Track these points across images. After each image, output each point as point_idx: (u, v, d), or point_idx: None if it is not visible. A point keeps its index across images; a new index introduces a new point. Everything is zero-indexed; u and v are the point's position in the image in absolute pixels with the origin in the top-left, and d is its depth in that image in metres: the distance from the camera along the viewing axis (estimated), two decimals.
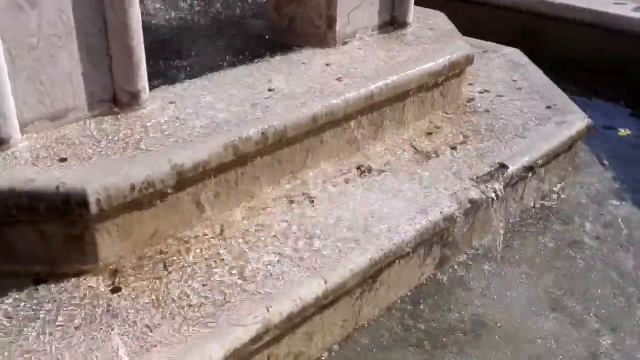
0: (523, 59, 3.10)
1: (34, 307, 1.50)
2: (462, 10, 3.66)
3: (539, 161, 2.31)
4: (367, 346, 1.79)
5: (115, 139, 1.72)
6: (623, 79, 3.47)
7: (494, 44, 3.22)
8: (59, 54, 1.68)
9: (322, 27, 2.42)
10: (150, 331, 1.45)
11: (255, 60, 2.28)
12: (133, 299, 1.54)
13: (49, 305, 1.51)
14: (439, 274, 2.04)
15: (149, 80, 1.88)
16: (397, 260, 1.85)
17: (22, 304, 1.51)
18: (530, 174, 2.31)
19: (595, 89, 3.48)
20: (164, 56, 2.35)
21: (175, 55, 2.38)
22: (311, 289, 1.61)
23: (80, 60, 1.72)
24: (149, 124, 1.81)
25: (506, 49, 3.18)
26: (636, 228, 2.34)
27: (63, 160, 1.61)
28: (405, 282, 1.95)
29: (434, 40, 2.55)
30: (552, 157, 2.40)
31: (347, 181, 2.06)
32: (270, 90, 2.06)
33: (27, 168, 1.57)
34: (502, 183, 2.12)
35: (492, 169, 2.16)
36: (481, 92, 2.71)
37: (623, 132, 3.06)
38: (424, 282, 2.01)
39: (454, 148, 2.29)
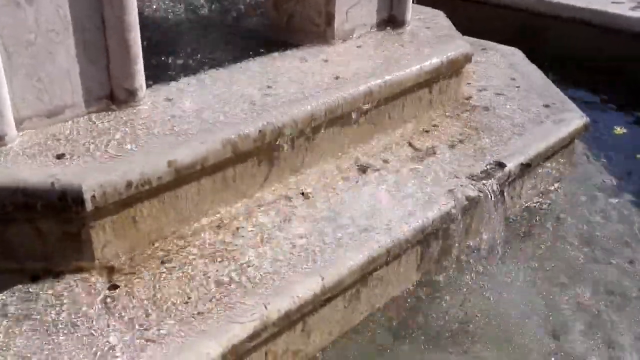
0: (521, 57, 3.10)
1: (30, 304, 1.50)
2: (461, 9, 3.66)
3: (537, 159, 2.32)
4: (365, 344, 1.79)
5: (112, 135, 1.72)
6: (622, 78, 3.48)
7: (492, 42, 3.23)
8: (57, 50, 1.67)
9: (321, 25, 2.42)
10: (147, 329, 1.45)
11: (254, 58, 2.27)
12: (130, 296, 1.54)
13: (46, 302, 1.50)
14: (436, 271, 2.04)
15: (147, 77, 1.87)
16: (394, 258, 1.85)
17: (19, 301, 1.50)
18: (527, 172, 2.31)
19: (594, 88, 3.49)
20: (162, 53, 2.34)
21: (173, 52, 2.37)
22: (309, 287, 1.61)
23: (78, 56, 1.71)
24: (146, 121, 1.80)
25: (505, 47, 3.19)
26: (634, 225, 2.34)
27: (59, 157, 1.61)
28: (402, 279, 1.95)
29: (432, 39, 2.55)
30: (549, 155, 2.40)
31: (345, 179, 2.06)
32: (268, 87, 2.06)
33: (23, 165, 1.57)
34: (500, 181, 2.12)
35: (489, 167, 2.17)
36: (479, 91, 2.72)
37: (619, 130, 3.07)
38: (422, 280, 2.01)
39: (451, 146, 2.29)
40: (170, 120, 1.82)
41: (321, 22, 2.41)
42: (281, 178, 2.01)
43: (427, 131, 2.39)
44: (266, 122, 1.87)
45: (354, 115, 2.17)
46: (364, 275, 1.77)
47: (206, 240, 1.74)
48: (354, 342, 1.80)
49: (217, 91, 2.01)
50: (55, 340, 1.40)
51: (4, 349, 1.38)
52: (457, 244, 2.09)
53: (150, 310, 1.49)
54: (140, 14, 1.79)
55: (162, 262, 1.65)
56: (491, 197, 2.08)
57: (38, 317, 1.46)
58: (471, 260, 2.09)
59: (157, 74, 2.07)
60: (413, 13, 2.66)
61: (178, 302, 1.53)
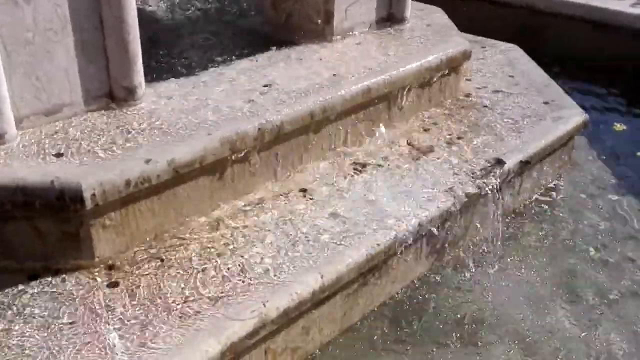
0: (521, 54, 3.10)
1: (29, 302, 1.50)
2: (462, 8, 3.65)
3: (536, 156, 2.31)
4: (364, 341, 1.79)
5: (111, 134, 1.72)
6: (622, 75, 3.47)
7: (491, 40, 3.22)
8: (55, 49, 1.68)
9: (320, 23, 2.42)
10: (147, 326, 1.45)
11: (253, 56, 2.27)
12: (130, 294, 1.54)
13: (45, 300, 1.51)
14: (436, 269, 2.04)
15: (145, 75, 1.88)
16: (393, 255, 1.86)
17: (17, 299, 1.51)
18: (527, 169, 2.31)
19: (594, 85, 3.48)
20: (161, 51, 2.35)
21: (172, 50, 2.38)
22: (308, 284, 1.61)
23: (77, 55, 1.72)
24: (145, 119, 1.81)
25: (504, 44, 3.18)
26: (634, 221, 2.34)
27: (59, 155, 1.61)
28: (402, 277, 1.95)
29: (431, 36, 2.55)
30: (549, 152, 2.40)
31: (344, 176, 2.06)
32: (267, 85, 2.06)
33: (22, 163, 1.57)
34: (499, 178, 2.12)
35: (489, 164, 2.16)
36: (478, 88, 2.71)
37: (619, 127, 3.07)
38: (421, 277, 2.01)
39: (450, 143, 2.29)
40: (168, 118, 1.82)
41: (320, 20, 2.41)
42: (280, 175, 2.01)
43: (426, 129, 2.39)
44: (265, 120, 1.87)
45: (352, 113, 2.17)
46: (363, 273, 1.77)
47: (205, 238, 1.74)
48: (353, 339, 1.80)
49: (215, 90, 2.02)
50: (55, 339, 1.41)
51: (4, 347, 1.38)
52: (456, 242, 2.09)
53: (149, 308, 1.50)
54: (139, 11, 1.80)
55: (162, 260, 1.65)
56: (490, 194, 2.08)
57: (38, 315, 1.46)
58: (470, 258, 2.09)
59: (155, 73, 2.07)
60: (412, 11, 2.66)
61: (177, 299, 1.53)
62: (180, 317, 1.48)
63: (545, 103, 2.61)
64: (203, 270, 1.63)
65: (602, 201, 2.45)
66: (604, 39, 3.64)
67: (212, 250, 1.70)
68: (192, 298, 1.53)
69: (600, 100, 3.38)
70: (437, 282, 2.01)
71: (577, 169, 2.64)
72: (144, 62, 1.84)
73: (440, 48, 2.45)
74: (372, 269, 1.80)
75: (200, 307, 1.51)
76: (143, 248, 1.69)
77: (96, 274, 1.60)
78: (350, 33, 2.49)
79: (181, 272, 1.62)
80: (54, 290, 1.54)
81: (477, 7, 4.02)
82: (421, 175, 2.09)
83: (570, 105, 2.61)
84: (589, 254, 2.18)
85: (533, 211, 2.38)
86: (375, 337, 1.81)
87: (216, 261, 1.66)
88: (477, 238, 2.17)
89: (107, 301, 1.51)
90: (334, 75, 2.16)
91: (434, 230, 1.96)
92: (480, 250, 2.13)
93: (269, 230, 1.79)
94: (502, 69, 2.92)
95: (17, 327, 1.43)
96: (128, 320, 1.46)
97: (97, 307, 1.49)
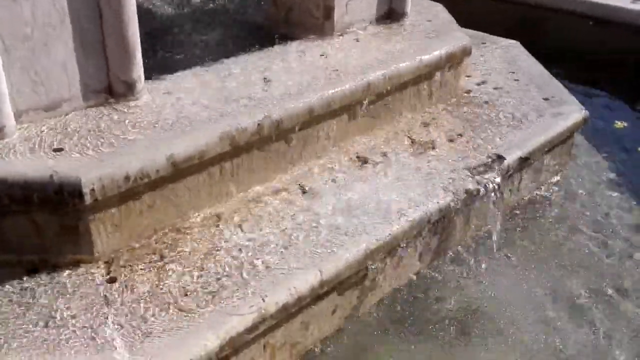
0: (521, 50, 3.09)
1: (27, 297, 1.50)
2: (462, 3, 3.64)
3: (536, 152, 2.31)
4: (363, 336, 1.80)
5: (110, 129, 1.72)
6: (622, 71, 3.47)
7: (492, 35, 3.21)
8: (54, 43, 1.67)
9: (320, 18, 2.41)
10: (146, 321, 1.45)
11: (252, 51, 2.27)
12: (129, 289, 1.54)
13: (43, 295, 1.51)
14: (435, 264, 2.04)
15: (145, 70, 1.87)
16: (393, 251, 1.86)
17: (16, 294, 1.51)
18: (527, 166, 2.31)
19: (594, 82, 3.48)
20: (160, 46, 2.34)
21: (172, 45, 2.37)
22: (307, 279, 1.61)
23: (75, 50, 1.71)
24: (144, 114, 1.80)
25: (505, 40, 3.17)
26: (632, 218, 2.34)
27: (57, 150, 1.61)
28: (401, 272, 1.95)
29: (431, 32, 2.54)
30: (549, 148, 2.40)
31: (344, 172, 2.06)
32: (267, 81, 2.05)
33: (21, 158, 1.57)
34: (499, 174, 2.12)
35: (488, 160, 2.16)
36: (479, 84, 2.71)
37: (619, 124, 3.07)
38: (421, 272, 2.01)
39: (450, 139, 2.29)
40: (168, 113, 1.82)
41: (320, 15, 2.41)
42: (280, 171, 2.01)
43: (426, 125, 2.39)
44: (264, 115, 1.87)
45: (352, 109, 2.17)
46: (362, 268, 1.77)
47: (204, 233, 1.74)
48: (353, 334, 1.80)
49: (215, 84, 2.01)
50: (54, 333, 1.41)
51: (3, 341, 1.38)
52: (455, 238, 2.09)
53: (148, 303, 1.50)
54: (139, 6, 1.79)
55: (161, 255, 1.65)
56: (490, 190, 2.08)
57: (36, 309, 1.47)
58: (469, 254, 2.09)
59: (155, 67, 2.06)
60: (412, 6, 2.65)
61: (176, 294, 1.53)
62: (179, 312, 1.48)
63: (546, 99, 2.60)
64: (202, 265, 1.63)
65: (602, 198, 2.45)
66: (605, 35, 3.63)
67: (211, 245, 1.70)
68: (190, 292, 1.54)
69: (600, 97, 3.37)
70: (437, 277, 2.01)
71: (578, 165, 2.64)
72: (143, 57, 1.83)
73: (441, 44, 2.44)
74: (371, 264, 1.80)
75: (199, 301, 1.51)
76: (142, 243, 1.69)
77: (95, 269, 1.60)
78: (351, 28, 2.48)
79: (180, 267, 1.62)
80: (53, 284, 1.54)
81: (478, 2, 4.01)
82: (421, 171, 2.08)
83: (571, 102, 2.60)
84: (589, 250, 2.18)
85: (533, 206, 2.38)
86: (376, 332, 1.81)
87: (216, 256, 1.66)
88: (477, 234, 2.17)
89: (106, 296, 1.51)
90: (335, 70, 2.16)
91: (434, 225, 1.96)
92: (480, 246, 2.13)
93: (268, 225, 1.78)
94: (503, 65, 2.91)
95: (15, 322, 1.43)
96: (127, 315, 1.46)
97: (96, 302, 1.49)
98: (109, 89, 1.82)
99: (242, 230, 1.76)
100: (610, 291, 2.01)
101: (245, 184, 1.92)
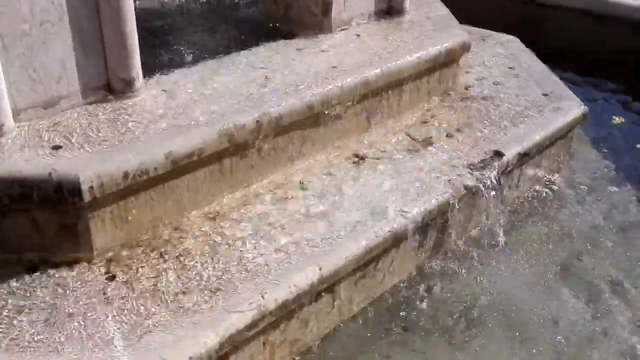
0: (520, 46, 3.09)
1: (27, 295, 1.50)
2: (461, 0, 3.63)
3: (535, 148, 2.31)
4: (363, 333, 1.80)
5: (109, 126, 1.71)
6: (622, 68, 3.46)
7: (491, 31, 3.21)
8: (52, 41, 1.67)
9: (319, 15, 2.41)
10: (146, 318, 1.45)
11: (251, 48, 2.26)
12: (128, 286, 1.54)
13: (43, 293, 1.51)
14: (435, 261, 2.05)
15: (143, 67, 1.87)
16: (392, 248, 1.86)
17: (15, 292, 1.51)
18: (526, 162, 2.31)
19: (593, 78, 3.48)
20: (159, 43, 2.34)
21: (170, 42, 2.37)
22: (306, 276, 1.61)
23: (73, 47, 1.71)
24: (142, 111, 1.80)
25: (504, 36, 3.17)
26: (631, 213, 2.34)
27: (56, 148, 1.61)
28: (401, 269, 1.95)
29: (430, 28, 2.54)
30: (548, 144, 2.40)
31: (342, 169, 2.06)
32: (265, 77, 2.05)
33: (20, 156, 1.57)
34: (498, 170, 2.12)
35: (487, 156, 2.16)
36: (478, 80, 2.71)
37: (617, 120, 3.07)
38: (421, 268, 2.01)
39: (449, 135, 2.28)
40: (167, 110, 1.81)
41: (318, 12, 2.40)
42: (278, 168, 2.00)
43: (425, 121, 2.38)
44: (263, 112, 1.86)
45: (351, 105, 2.16)
46: (362, 265, 1.77)
47: (203, 231, 1.74)
48: (353, 331, 1.80)
49: (214, 82, 2.01)
50: (54, 331, 1.41)
51: (2, 339, 1.38)
52: (455, 234, 2.09)
53: (148, 300, 1.50)
54: (136, 3, 1.78)
55: (160, 253, 1.65)
56: (489, 186, 2.08)
57: (36, 308, 1.46)
58: (470, 250, 2.09)
59: (153, 65, 2.06)
60: (411, 2, 2.65)
61: (175, 291, 1.53)
62: (178, 309, 1.48)
63: (545, 95, 2.60)
64: (201, 262, 1.63)
65: (601, 193, 2.45)
66: (604, 31, 3.62)
67: (211, 242, 1.70)
68: (190, 290, 1.54)
69: (599, 93, 3.37)
70: (437, 273, 2.01)
71: (577, 160, 2.64)
72: (141, 54, 1.83)
73: (440, 40, 2.44)
74: (371, 260, 1.80)
75: (199, 299, 1.51)
76: (141, 240, 1.69)
77: (95, 266, 1.60)
78: (350, 25, 2.48)
79: (179, 264, 1.62)
80: (53, 282, 1.54)
81: None
82: (420, 168, 2.08)
83: (570, 97, 2.60)
84: (589, 246, 2.18)
85: (532, 202, 2.38)
86: (376, 329, 1.81)
87: (215, 253, 1.66)
88: (476, 230, 2.17)
89: (105, 293, 1.51)
90: (333, 67, 2.16)
91: (433, 221, 1.96)
92: (480, 242, 2.13)
93: (267, 222, 1.78)
94: (502, 60, 2.91)
95: (15, 320, 1.43)
96: (127, 313, 1.46)
97: (96, 300, 1.49)
98: (108, 86, 1.82)
99: (240, 227, 1.76)
100: (611, 285, 2.01)
101: (245, 181, 1.92)
